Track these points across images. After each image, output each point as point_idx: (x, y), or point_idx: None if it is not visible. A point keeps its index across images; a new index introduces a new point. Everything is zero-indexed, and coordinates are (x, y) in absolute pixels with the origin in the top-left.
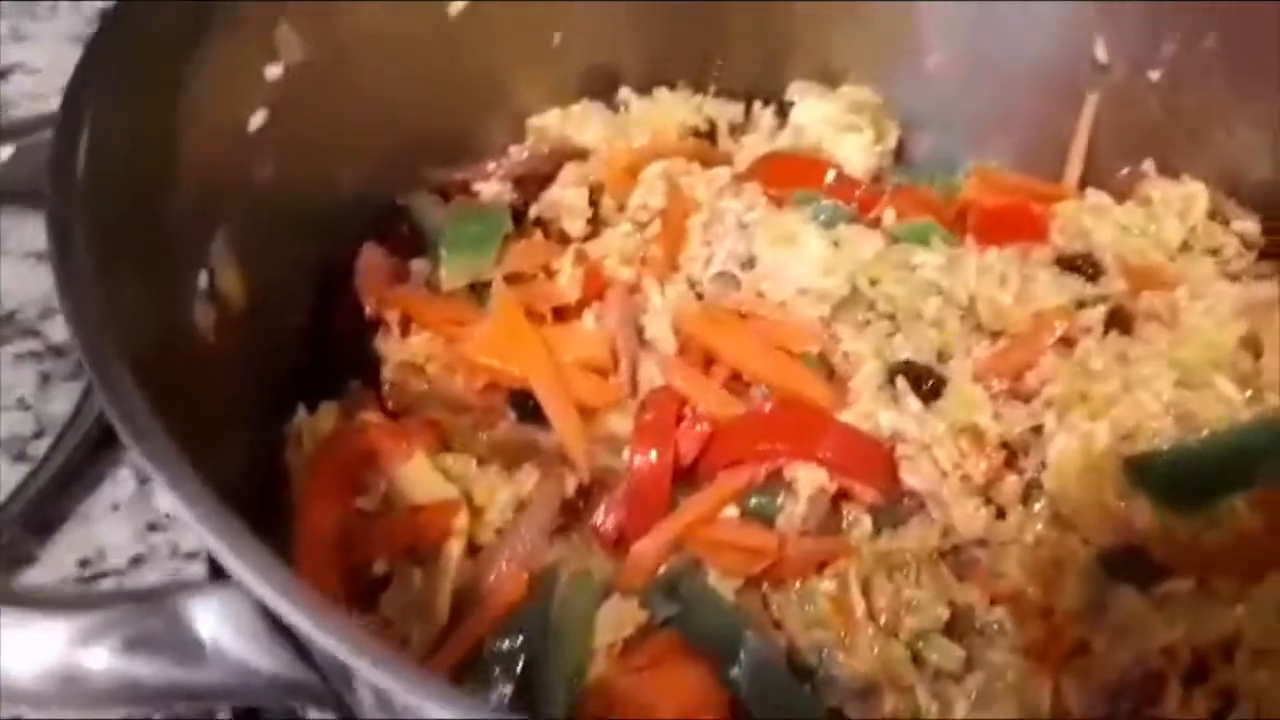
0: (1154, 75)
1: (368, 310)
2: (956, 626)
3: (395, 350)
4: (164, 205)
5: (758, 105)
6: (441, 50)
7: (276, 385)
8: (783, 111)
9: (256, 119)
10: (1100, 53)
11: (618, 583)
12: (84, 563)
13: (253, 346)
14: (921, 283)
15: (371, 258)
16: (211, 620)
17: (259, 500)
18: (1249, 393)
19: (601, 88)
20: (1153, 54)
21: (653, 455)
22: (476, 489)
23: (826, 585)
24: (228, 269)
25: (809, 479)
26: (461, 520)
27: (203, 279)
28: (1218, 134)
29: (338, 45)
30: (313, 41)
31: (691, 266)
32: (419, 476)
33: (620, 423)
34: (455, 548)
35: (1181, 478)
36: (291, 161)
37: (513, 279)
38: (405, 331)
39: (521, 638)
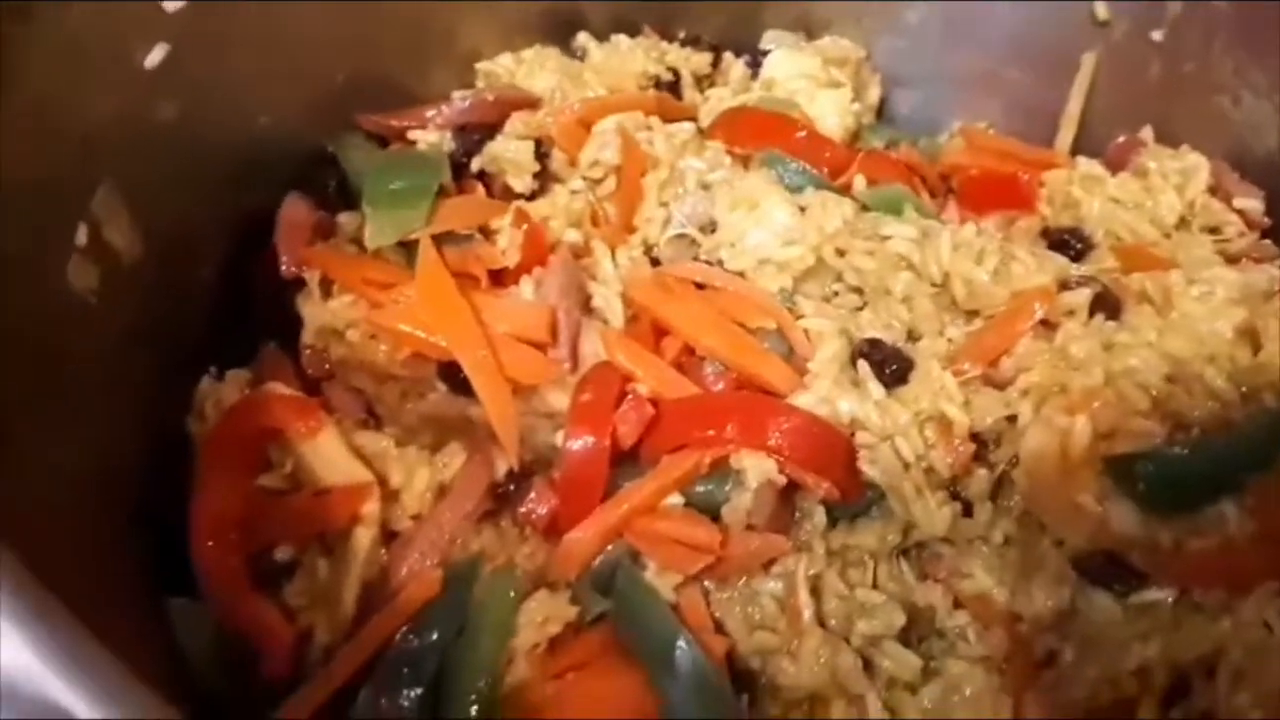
0: (1156, 35)
1: (283, 269)
2: (915, 628)
3: (315, 313)
4: (22, 154)
5: (729, 55)
6: None
7: (186, 346)
8: (756, 62)
9: (154, 56)
10: (1100, 9)
11: (547, 574)
12: None
13: (151, 306)
14: (892, 256)
15: (294, 210)
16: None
17: (158, 470)
18: (1243, 389)
19: (560, 32)
20: (1157, 12)
21: (589, 440)
22: (393, 470)
23: (773, 585)
24: (116, 221)
25: (757, 469)
26: (373, 505)
27: (81, 234)
28: (1223, 102)
29: None
30: None
31: (647, 228)
32: (329, 455)
33: (561, 398)
34: (365, 536)
35: (1167, 482)
36: (199, 103)
37: (446, 239)
38: (327, 293)
39: (435, 635)
